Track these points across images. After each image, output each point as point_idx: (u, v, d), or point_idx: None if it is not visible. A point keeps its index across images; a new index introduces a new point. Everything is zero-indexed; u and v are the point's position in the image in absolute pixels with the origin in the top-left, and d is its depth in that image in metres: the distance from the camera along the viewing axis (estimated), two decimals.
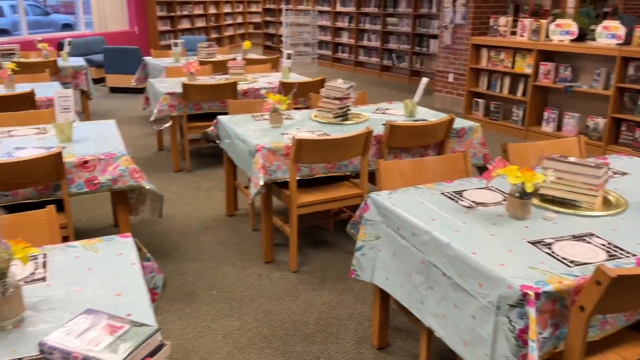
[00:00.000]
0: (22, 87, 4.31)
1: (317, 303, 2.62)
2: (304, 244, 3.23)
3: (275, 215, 3.02)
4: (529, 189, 1.77)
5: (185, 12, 12.64)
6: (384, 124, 3.05)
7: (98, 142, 2.77)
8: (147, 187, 2.64)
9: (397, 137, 3.02)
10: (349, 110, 3.36)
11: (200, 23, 13.44)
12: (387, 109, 3.69)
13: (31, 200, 2.49)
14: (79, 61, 6.21)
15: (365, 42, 10.45)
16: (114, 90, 8.16)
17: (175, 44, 6.29)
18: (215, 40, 13.53)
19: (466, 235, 1.69)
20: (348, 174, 3.10)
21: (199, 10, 13.29)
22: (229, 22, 15.19)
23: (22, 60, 5.62)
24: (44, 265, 1.50)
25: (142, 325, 1.13)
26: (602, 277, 1.32)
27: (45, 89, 4.30)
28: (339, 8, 11.12)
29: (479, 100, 6.51)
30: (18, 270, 1.38)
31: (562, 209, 1.88)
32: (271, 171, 2.80)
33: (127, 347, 1.05)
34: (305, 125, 3.22)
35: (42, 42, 6.14)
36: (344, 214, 3.33)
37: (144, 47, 10.55)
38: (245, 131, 3.06)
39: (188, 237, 3.32)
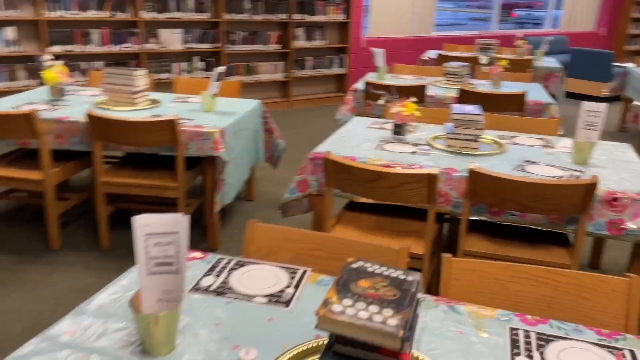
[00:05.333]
0: (506, 86, 4.15)
1: None
2: None
3: None
4: None
5: None
6: None
7: (622, 174, 2.20)
8: None
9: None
10: None
11: None
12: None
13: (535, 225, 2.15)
14: (554, 62, 5.79)
15: None
16: (570, 95, 7.49)
17: None
18: None
19: None
20: None
21: None
22: None
23: (503, 56, 5.54)
24: None
25: None
26: None
27: (529, 90, 4.00)
28: None
29: None
30: None
31: None
32: None
33: None
34: None
35: (520, 39, 5.96)
36: None
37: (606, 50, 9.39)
38: None
39: None
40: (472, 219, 2.27)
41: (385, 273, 1.00)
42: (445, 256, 1.33)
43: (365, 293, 0.92)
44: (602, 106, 2.32)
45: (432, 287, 2.41)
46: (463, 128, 2.45)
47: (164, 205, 3.03)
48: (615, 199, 2.01)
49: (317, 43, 6.67)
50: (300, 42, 6.54)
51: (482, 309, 1.24)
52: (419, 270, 2.13)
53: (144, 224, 1.08)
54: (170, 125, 2.62)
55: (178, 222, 1.09)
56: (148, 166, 3.00)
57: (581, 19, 9.62)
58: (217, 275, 1.36)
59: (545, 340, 1.14)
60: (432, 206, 2.07)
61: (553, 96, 5.56)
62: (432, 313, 1.22)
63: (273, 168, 3.72)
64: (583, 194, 1.94)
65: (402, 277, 0.99)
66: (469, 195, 2.07)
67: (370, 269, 1.00)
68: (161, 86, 5.64)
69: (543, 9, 9.72)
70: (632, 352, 1.10)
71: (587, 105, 2.34)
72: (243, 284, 1.32)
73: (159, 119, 2.64)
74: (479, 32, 8.58)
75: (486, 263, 1.34)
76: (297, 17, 6.39)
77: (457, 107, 2.49)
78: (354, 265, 1.01)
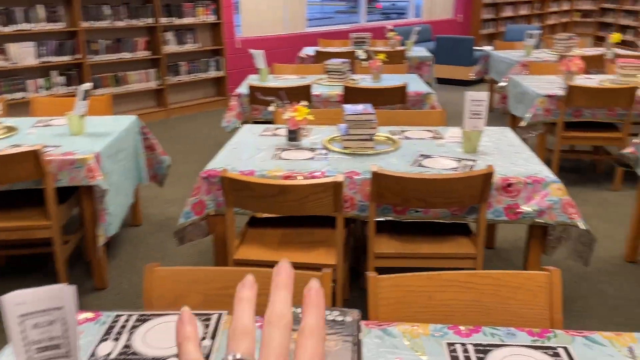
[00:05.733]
0: (385, 79, 4.23)
1: None
2: None
3: None
4: None
5: None
6: None
7: (511, 158, 2.30)
8: (583, 228, 2.06)
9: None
10: None
11: (524, 11, 12.37)
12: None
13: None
14: (423, 51, 6.05)
15: None
16: (440, 81, 7.91)
17: (530, 36, 5.57)
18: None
19: None
20: None
21: None
22: (554, 9, 13.67)
23: (379, 49, 5.66)
24: None
25: None
26: None
27: (408, 81, 4.11)
28: None
29: None
30: None
31: None
32: None
33: None
34: None
35: (391, 31, 6.14)
36: None
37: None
38: None
39: (584, 285, 2.66)
40: (378, 220, 2.24)
41: None
42: (371, 275, 1.25)
43: None
44: (484, 95, 2.40)
45: (345, 293, 2.36)
46: (357, 128, 2.41)
47: (35, 247, 2.65)
48: (509, 185, 2.08)
49: (189, 47, 6.35)
50: (171, 47, 6.19)
51: (415, 326, 1.17)
52: (333, 282, 2.05)
53: (16, 303, 0.86)
54: (33, 157, 2.28)
55: (61, 295, 0.88)
56: (10, 204, 2.60)
57: (440, 7, 10.24)
58: (117, 339, 1.15)
59: (483, 351, 1.10)
60: (339, 213, 2.00)
61: (427, 84, 5.81)
62: (366, 341, 1.13)
63: (160, 187, 3.44)
64: (481, 184, 1.98)
65: (340, 318, 0.88)
66: (374, 197, 2.03)
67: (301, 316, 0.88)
68: (16, 108, 5.02)
69: None
70: (565, 349, 1.10)
71: (471, 95, 2.40)
72: (150, 344, 1.13)
73: (18, 150, 2.28)
74: (350, 26, 8.76)
75: (410, 276, 1.28)
76: (164, 20, 6.03)
77: (349, 108, 2.45)
78: None
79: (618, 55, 5.12)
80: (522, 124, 3.78)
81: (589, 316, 2.40)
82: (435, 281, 1.29)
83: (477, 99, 2.40)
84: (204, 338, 1.14)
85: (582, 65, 3.86)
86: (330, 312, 0.90)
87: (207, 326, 1.18)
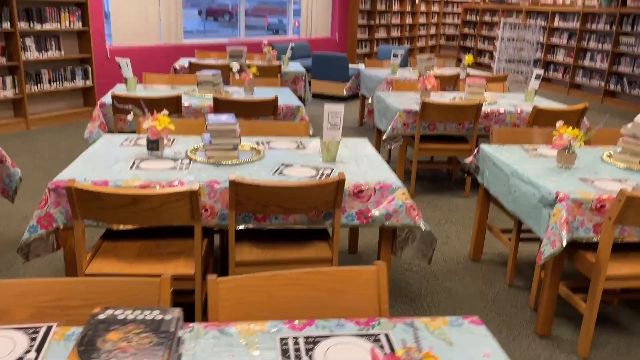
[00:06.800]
0: (258, 92, 4.30)
1: None
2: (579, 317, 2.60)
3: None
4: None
5: (383, 22, 12.50)
6: None
7: (364, 167, 2.46)
8: (424, 229, 2.25)
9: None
10: None
11: (395, 33, 13.22)
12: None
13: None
14: (298, 67, 6.23)
15: (587, 63, 9.25)
16: (316, 96, 8.19)
17: (395, 55, 5.98)
18: (408, 51, 13.17)
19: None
20: None
21: (395, 20, 13.08)
22: (422, 33, 14.78)
23: (253, 63, 5.73)
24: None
25: None
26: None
27: (280, 95, 4.22)
28: (558, 24, 10.01)
29: None
30: None
31: None
32: (573, 228, 2.23)
33: None
34: (601, 168, 2.59)
35: (268, 46, 6.26)
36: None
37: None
38: (525, 170, 2.53)
39: (433, 282, 2.89)
40: (241, 229, 2.27)
41: (140, 317, 0.89)
42: (210, 278, 1.28)
43: (116, 347, 0.81)
44: (340, 107, 2.54)
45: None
46: (220, 138, 2.43)
47: None
48: (360, 191, 2.23)
49: (52, 54, 5.95)
50: (32, 54, 5.76)
51: (252, 324, 1.22)
52: (192, 292, 2.04)
53: None
54: None
55: None
56: None
57: (319, 27, 10.60)
58: None
59: (312, 342, 1.18)
60: (197, 222, 2.00)
61: (301, 98, 6.00)
62: (201, 342, 1.15)
63: (11, 202, 3.18)
64: (334, 191, 2.10)
65: (160, 317, 0.90)
66: (233, 205, 2.06)
67: (121, 317, 0.89)
68: None
69: (287, 17, 10.45)
70: (386, 335, 1.21)
71: (328, 107, 2.54)
72: None
73: None
74: (229, 40, 8.77)
75: (252, 277, 1.33)
76: (23, 25, 5.60)
77: (212, 117, 2.47)
78: (101, 316, 0.88)
79: (469, 75, 5.67)
80: (384, 137, 4.04)
81: (436, 310, 2.62)
82: (276, 280, 1.35)
83: (334, 111, 2.54)
84: (28, 351, 1.09)
85: (434, 84, 4.23)
86: (150, 312, 0.91)
87: (33, 339, 1.13)
